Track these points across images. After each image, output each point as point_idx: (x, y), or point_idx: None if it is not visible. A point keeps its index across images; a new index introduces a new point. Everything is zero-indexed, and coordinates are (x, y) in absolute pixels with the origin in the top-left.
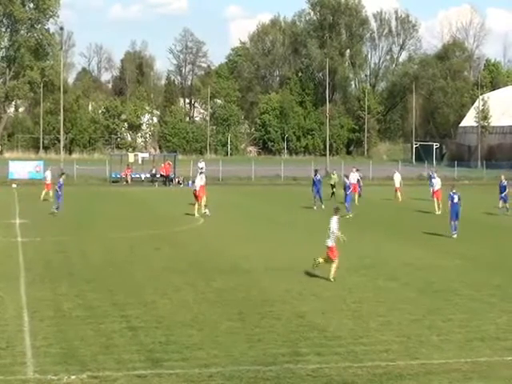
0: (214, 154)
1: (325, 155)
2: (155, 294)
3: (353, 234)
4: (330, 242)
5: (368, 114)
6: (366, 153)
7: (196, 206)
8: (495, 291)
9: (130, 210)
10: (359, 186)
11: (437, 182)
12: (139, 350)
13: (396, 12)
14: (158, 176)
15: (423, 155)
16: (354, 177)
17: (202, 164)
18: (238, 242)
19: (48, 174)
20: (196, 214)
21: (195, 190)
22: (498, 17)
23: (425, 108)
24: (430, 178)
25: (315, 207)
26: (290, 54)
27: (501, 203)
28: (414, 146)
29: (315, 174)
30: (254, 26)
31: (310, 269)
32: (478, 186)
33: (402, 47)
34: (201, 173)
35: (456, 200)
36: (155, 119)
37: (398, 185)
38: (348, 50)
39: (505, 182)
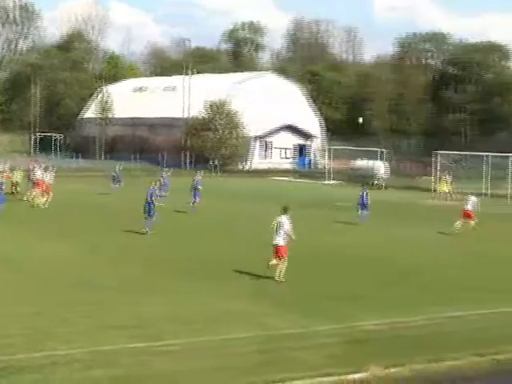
0: None
1: None
2: None
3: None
4: (282, 241)
5: None
6: None
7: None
8: (125, 287)
9: None
10: None
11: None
12: None
13: (16, 0)
14: None
15: (45, 146)
16: (39, 174)
17: None
18: None
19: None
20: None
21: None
22: (121, 11)
23: (48, 99)
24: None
25: None
26: None
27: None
28: (36, 137)
29: None
30: None
31: None
32: (101, 177)
33: (23, 36)
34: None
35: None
36: None
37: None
38: None
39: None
